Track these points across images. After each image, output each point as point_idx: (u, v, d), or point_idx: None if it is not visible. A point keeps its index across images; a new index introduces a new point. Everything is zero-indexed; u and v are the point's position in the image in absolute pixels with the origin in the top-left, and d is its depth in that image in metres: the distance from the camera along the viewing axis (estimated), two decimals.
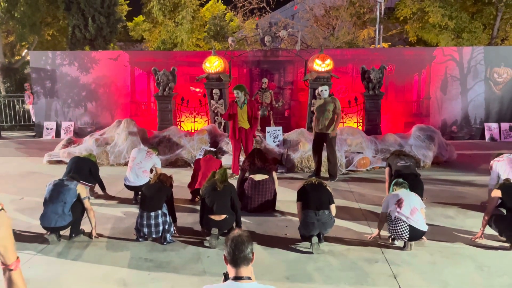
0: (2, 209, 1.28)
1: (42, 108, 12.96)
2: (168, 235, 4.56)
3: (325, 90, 7.28)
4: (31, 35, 15.43)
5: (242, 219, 4.95)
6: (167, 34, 17.47)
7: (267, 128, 9.03)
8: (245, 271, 2.28)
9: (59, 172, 6.50)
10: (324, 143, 7.35)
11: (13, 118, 14.53)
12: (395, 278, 3.80)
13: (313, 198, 4.50)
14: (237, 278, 2.26)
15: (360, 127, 10.55)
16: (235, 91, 7.18)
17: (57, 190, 4.59)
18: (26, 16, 14.33)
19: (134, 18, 18.79)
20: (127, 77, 12.69)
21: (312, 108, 9.90)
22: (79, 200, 4.65)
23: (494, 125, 12.04)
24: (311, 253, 4.31)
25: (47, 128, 12.88)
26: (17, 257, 1.32)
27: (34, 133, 13.21)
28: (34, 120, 13.35)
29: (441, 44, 15.60)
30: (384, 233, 4.63)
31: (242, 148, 7.43)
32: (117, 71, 12.66)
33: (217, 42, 18.07)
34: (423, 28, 16.38)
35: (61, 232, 4.69)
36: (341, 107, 7.36)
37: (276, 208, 5.72)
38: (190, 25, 17.22)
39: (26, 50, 17.29)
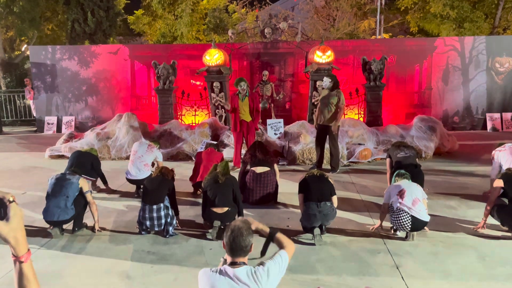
0: (14, 201, 1.29)
1: (43, 103, 12.95)
2: (170, 228, 4.57)
3: (329, 81, 7.23)
4: (31, 30, 15.38)
5: (244, 211, 4.95)
6: (167, 28, 17.39)
7: (268, 121, 9.02)
8: (241, 259, 2.45)
9: (61, 166, 6.51)
10: (327, 136, 7.35)
11: (14, 113, 14.55)
12: (397, 268, 3.81)
13: (315, 190, 4.50)
14: (233, 263, 2.43)
15: (361, 119, 10.53)
16: (241, 83, 7.18)
17: (59, 184, 4.61)
18: (25, 11, 14.28)
19: (135, 11, 18.67)
20: (127, 71, 12.66)
21: (313, 100, 9.89)
22: (81, 194, 4.67)
23: (496, 115, 12.00)
24: (313, 244, 4.32)
25: (48, 123, 12.89)
26: (28, 249, 1.32)
27: (35, 128, 13.23)
28: (35, 115, 13.35)
29: (442, 34, 15.51)
30: (386, 224, 4.63)
31: (244, 141, 7.43)
32: (117, 65, 12.63)
33: (217, 35, 17.99)
34: (424, 18, 16.28)
35: (64, 226, 4.71)
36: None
37: (278, 200, 5.73)
38: (190, 18, 17.11)
39: (25, 45, 17.25)
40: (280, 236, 2.62)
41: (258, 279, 2.35)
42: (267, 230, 2.64)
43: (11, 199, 1.27)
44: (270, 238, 2.62)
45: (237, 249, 2.42)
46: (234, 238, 2.41)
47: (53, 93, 12.90)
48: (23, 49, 17.89)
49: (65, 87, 12.84)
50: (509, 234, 4.44)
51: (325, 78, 7.29)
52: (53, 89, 12.88)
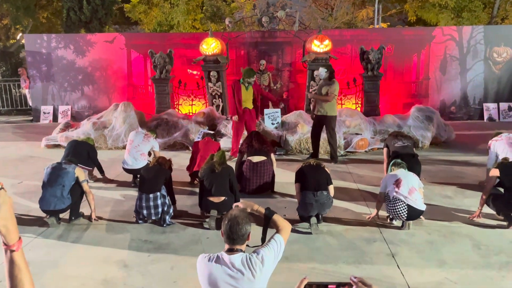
0: (2, 188, 1.25)
1: (39, 92, 12.85)
2: (167, 217, 4.58)
3: (325, 71, 7.22)
4: (26, 18, 15.19)
5: (241, 200, 4.95)
6: (163, 16, 17.21)
7: (266, 111, 8.99)
8: (238, 246, 2.48)
9: (57, 156, 6.48)
10: (323, 126, 7.34)
11: (10, 102, 14.44)
12: (393, 257, 3.83)
13: (311, 179, 4.51)
14: (229, 250, 2.47)
15: (358, 109, 10.51)
16: (252, 78, 7.10)
17: (56, 174, 4.59)
18: None
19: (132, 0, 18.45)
20: (123, 60, 12.55)
21: (311, 90, 9.85)
22: (77, 183, 4.66)
23: (493, 105, 12.00)
24: (310, 233, 4.34)
25: (44, 113, 12.81)
26: (20, 238, 1.28)
27: (31, 118, 13.14)
28: (31, 104, 13.26)
29: (440, 24, 15.44)
30: (383, 213, 4.65)
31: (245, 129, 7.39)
32: (113, 54, 12.52)
33: (214, 24, 17.83)
34: (423, 7, 16.19)
35: (61, 215, 4.70)
36: (338, 89, 7.26)
37: (275, 190, 5.74)
38: (186, 6, 16.93)
39: (20, 34, 17.06)
40: (276, 218, 2.64)
41: (253, 266, 2.37)
42: (263, 211, 2.66)
43: None
44: (266, 220, 2.63)
45: (234, 238, 2.45)
46: (231, 227, 2.44)
47: (49, 82, 12.79)
48: (18, 37, 17.70)
49: (61, 76, 12.73)
50: (504, 223, 4.47)
51: (320, 69, 7.28)
52: (49, 78, 12.77)
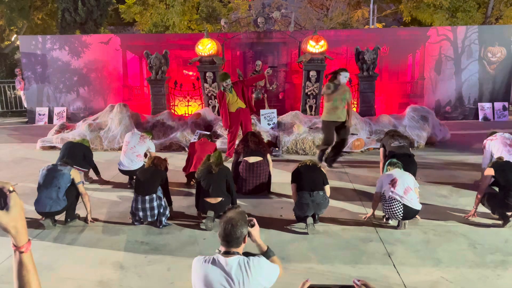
0: (14, 190, 1.27)
1: (34, 93, 12.80)
2: (163, 219, 4.57)
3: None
4: (20, 19, 15.14)
5: (238, 201, 4.96)
6: (159, 17, 17.19)
7: (262, 111, 9.00)
8: (234, 249, 2.45)
9: (53, 157, 6.47)
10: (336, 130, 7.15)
11: (5, 104, 14.38)
12: (389, 256, 3.84)
13: (308, 180, 4.52)
14: (226, 253, 2.43)
15: (354, 109, 10.54)
16: (225, 83, 7.04)
17: (51, 175, 4.57)
18: (15, 0, 14.03)
19: (126, 0, 18.40)
20: (119, 61, 12.53)
21: (307, 90, 9.87)
22: (73, 185, 4.64)
23: (488, 105, 12.07)
24: (306, 233, 4.35)
25: (40, 114, 12.76)
26: (29, 240, 1.31)
27: (26, 119, 13.09)
28: (26, 106, 13.21)
29: (435, 24, 15.52)
30: (379, 212, 4.67)
31: (241, 130, 7.39)
32: (108, 55, 12.50)
33: (210, 24, 17.83)
34: (418, 7, 16.28)
35: (57, 217, 4.69)
36: None
37: (271, 190, 5.74)
38: (182, 7, 16.93)
39: (15, 35, 16.99)
40: (275, 259, 2.62)
41: (250, 269, 2.36)
42: (265, 248, 2.62)
43: (11, 189, 1.26)
44: (265, 257, 2.58)
45: (229, 240, 2.43)
46: (226, 229, 2.42)
47: (44, 84, 12.75)
48: (13, 39, 17.62)
49: (56, 78, 12.69)
50: (499, 222, 4.50)
51: (345, 73, 6.79)
52: (44, 79, 12.73)
